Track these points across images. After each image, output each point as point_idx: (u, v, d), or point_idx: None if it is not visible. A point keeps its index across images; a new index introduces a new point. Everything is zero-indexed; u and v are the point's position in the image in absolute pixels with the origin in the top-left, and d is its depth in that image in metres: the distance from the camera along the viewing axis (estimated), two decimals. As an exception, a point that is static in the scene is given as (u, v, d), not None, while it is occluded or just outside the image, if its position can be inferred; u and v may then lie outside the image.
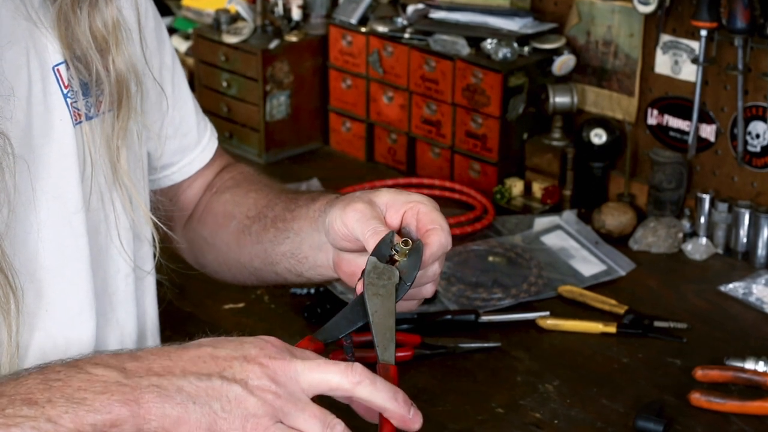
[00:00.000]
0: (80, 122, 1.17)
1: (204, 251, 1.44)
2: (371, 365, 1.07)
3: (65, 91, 1.15)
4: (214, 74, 2.45)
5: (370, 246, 1.15)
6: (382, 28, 2.33)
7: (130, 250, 1.25)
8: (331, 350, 1.14)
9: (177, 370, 1.00)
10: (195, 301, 1.84)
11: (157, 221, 1.28)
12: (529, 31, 2.22)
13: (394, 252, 1.14)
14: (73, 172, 1.16)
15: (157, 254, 1.31)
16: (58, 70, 1.15)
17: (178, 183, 1.42)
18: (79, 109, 1.17)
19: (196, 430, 0.98)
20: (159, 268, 1.34)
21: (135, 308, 1.28)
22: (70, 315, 1.16)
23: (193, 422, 0.98)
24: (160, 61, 1.32)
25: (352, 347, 1.14)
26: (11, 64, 1.09)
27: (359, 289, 1.13)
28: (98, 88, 1.18)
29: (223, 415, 0.98)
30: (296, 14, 2.43)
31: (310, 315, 1.82)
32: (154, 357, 1.02)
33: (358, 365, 1.02)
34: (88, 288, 1.18)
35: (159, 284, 1.36)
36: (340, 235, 1.19)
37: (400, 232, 1.19)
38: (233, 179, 1.44)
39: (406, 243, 1.14)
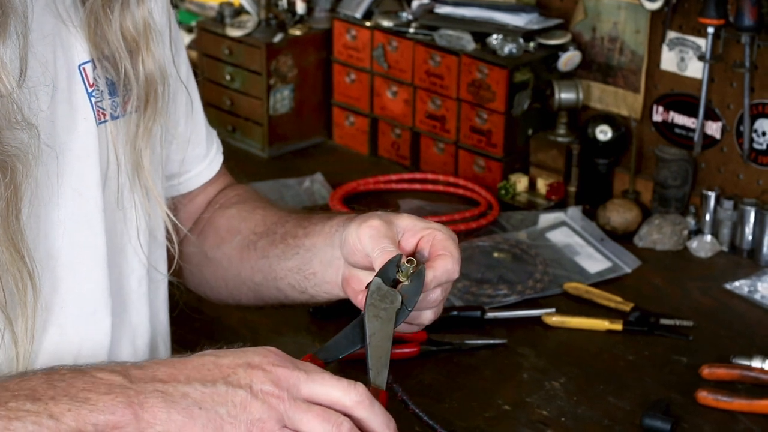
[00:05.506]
0: (104, 121, 1.17)
1: (202, 267, 1.42)
2: None
3: (90, 89, 1.15)
4: (217, 67, 2.44)
5: (377, 264, 1.15)
6: (386, 23, 2.32)
7: (147, 251, 1.25)
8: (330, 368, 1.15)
9: (181, 377, 1.01)
10: (201, 297, 1.83)
11: (177, 222, 1.28)
12: (535, 26, 2.21)
13: (398, 272, 1.15)
14: (94, 170, 1.15)
15: (177, 257, 1.31)
16: (83, 68, 1.15)
17: (180, 195, 1.40)
18: (103, 109, 1.16)
19: None
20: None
21: (147, 310, 1.28)
22: (85, 313, 1.16)
23: (198, 427, 0.99)
24: (177, 70, 1.31)
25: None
26: (39, 59, 1.09)
27: (362, 303, 1.14)
28: (126, 89, 1.18)
29: (230, 419, 0.99)
30: (300, 8, 2.43)
31: (315, 311, 1.82)
32: (158, 366, 1.03)
33: (360, 385, 1.04)
34: (104, 287, 1.18)
35: (171, 285, 1.36)
36: (354, 249, 1.20)
37: (414, 256, 1.19)
38: (239, 196, 1.44)
39: (410, 262, 1.15)
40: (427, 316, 1.22)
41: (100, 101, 1.16)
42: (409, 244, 1.19)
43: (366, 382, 1.10)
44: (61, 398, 0.97)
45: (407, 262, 1.15)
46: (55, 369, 1.02)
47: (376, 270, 1.15)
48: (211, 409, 0.99)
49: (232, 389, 1.00)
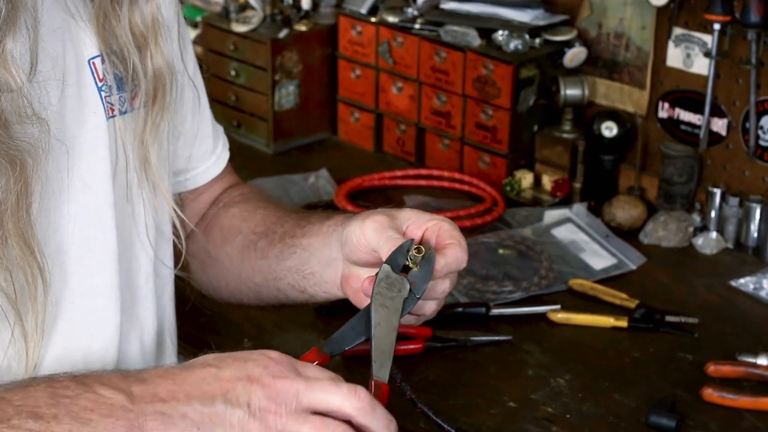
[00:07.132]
0: (113, 116, 1.17)
1: (205, 265, 1.43)
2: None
3: (100, 84, 1.15)
4: (222, 63, 2.44)
5: (384, 253, 1.15)
6: (392, 19, 2.32)
7: (154, 246, 1.25)
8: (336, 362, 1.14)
9: (181, 395, 1.02)
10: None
11: (183, 217, 1.28)
12: (541, 22, 2.21)
13: (408, 261, 1.14)
14: (104, 164, 1.15)
15: (184, 252, 1.31)
16: (93, 63, 1.15)
17: (187, 192, 1.41)
18: (112, 104, 1.17)
19: None
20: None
21: (155, 306, 1.28)
22: (95, 309, 1.16)
23: None
24: (184, 66, 1.31)
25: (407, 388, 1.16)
26: (49, 53, 1.09)
27: (366, 287, 1.14)
28: (134, 84, 1.18)
29: None
30: (306, 3, 2.42)
31: (320, 307, 1.81)
32: (160, 380, 1.03)
33: (362, 390, 1.04)
34: (114, 282, 1.18)
35: (182, 281, 1.36)
36: (358, 245, 1.19)
37: (422, 244, 1.18)
38: (242, 195, 1.44)
39: (419, 251, 1.14)
40: (431, 308, 1.21)
41: (109, 96, 1.16)
42: (414, 236, 1.19)
43: (369, 375, 1.09)
44: (63, 417, 0.98)
45: (416, 250, 1.14)
46: (59, 378, 1.02)
47: (384, 259, 1.14)
48: (209, 431, 1.00)
49: (230, 409, 1.01)
